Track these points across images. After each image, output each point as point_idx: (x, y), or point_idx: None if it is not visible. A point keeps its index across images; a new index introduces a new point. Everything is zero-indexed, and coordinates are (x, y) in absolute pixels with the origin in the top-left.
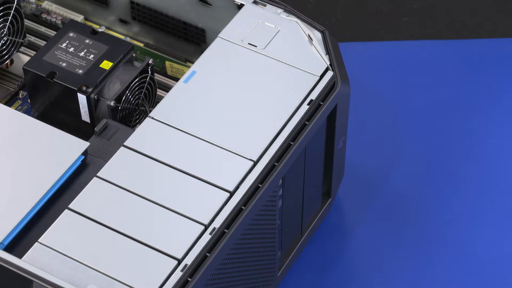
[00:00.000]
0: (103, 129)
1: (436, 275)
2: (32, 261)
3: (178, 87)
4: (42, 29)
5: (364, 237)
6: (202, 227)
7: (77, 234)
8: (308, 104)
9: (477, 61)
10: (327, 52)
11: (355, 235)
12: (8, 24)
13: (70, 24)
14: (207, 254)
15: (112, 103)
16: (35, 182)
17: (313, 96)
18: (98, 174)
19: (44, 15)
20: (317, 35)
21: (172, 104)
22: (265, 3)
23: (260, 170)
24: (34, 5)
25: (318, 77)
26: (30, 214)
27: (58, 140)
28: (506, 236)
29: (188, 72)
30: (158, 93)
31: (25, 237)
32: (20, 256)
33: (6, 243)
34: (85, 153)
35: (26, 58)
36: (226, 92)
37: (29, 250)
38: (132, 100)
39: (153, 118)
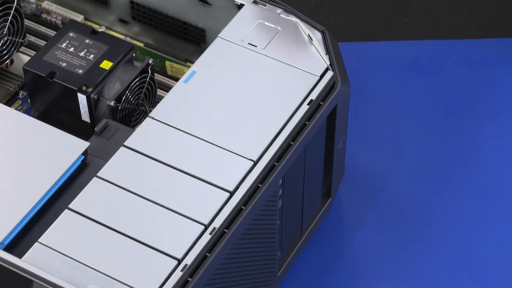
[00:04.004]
0: (103, 129)
1: (436, 275)
2: (32, 261)
3: (178, 87)
4: (42, 29)
5: (364, 237)
6: (202, 227)
7: (77, 234)
8: (308, 104)
9: (477, 61)
10: (327, 52)
11: (355, 235)
12: (8, 24)
13: (70, 24)
14: (207, 254)
15: (112, 103)
16: (35, 182)
17: (313, 96)
18: (98, 174)
19: (44, 15)
20: (317, 35)
21: (172, 104)
22: (265, 3)
23: (260, 170)
24: (34, 5)
25: (318, 77)
26: (30, 214)
27: (58, 140)
28: (506, 236)
29: (188, 72)
30: (158, 93)
31: (25, 237)
32: (20, 256)
33: (6, 243)
34: (85, 153)
35: (26, 58)
36: (226, 92)
37: (29, 250)
38: (132, 100)
39: (153, 118)
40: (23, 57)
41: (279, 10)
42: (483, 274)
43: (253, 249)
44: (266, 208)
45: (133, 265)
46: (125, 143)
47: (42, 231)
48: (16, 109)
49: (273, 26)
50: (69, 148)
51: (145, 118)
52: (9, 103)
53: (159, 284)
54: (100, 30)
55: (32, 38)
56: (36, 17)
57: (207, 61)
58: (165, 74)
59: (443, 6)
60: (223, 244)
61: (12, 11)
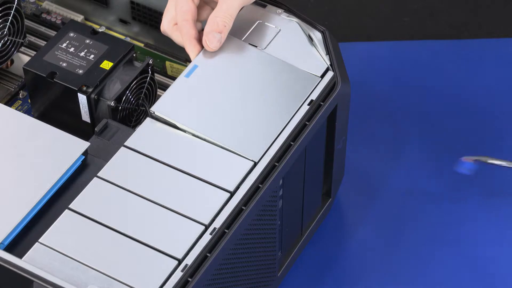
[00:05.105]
0: (104, 129)
1: (436, 275)
2: (32, 261)
3: (179, 81)
4: (42, 29)
5: (364, 237)
6: (203, 227)
7: (77, 234)
8: (308, 105)
9: (477, 61)
10: (328, 52)
11: (355, 235)
12: (8, 24)
13: (70, 24)
14: (208, 254)
15: (112, 103)
16: (35, 182)
17: (314, 96)
18: (98, 174)
19: (44, 15)
20: (317, 35)
21: (173, 99)
22: (265, 3)
23: (260, 170)
24: (34, 5)
25: (319, 78)
26: (30, 214)
27: (58, 140)
28: (506, 235)
29: (190, 66)
30: (158, 93)
31: (25, 237)
32: (20, 256)
33: (6, 243)
34: (85, 153)
35: (26, 58)
36: (227, 91)
37: (30, 250)
38: (132, 100)
39: (153, 113)
40: (23, 57)
41: (279, 10)
42: (483, 274)
43: (253, 249)
44: (266, 209)
45: (133, 265)
46: (125, 143)
47: (43, 231)
48: (16, 109)
49: (273, 26)
50: (69, 148)
51: (145, 118)
52: (9, 103)
53: (159, 284)
54: (100, 30)
55: (32, 38)
56: (36, 17)
57: (208, 56)
58: (165, 74)
59: (443, 6)
60: (223, 244)
61: (12, 11)
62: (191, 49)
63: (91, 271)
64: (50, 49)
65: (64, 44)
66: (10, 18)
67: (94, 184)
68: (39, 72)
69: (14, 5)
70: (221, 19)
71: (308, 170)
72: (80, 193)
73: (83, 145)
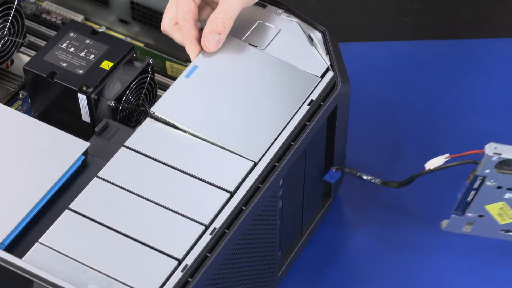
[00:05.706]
0: (104, 129)
1: (436, 276)
2: (32, 261)
3: (179, 82)
4: (42, 29)
5: (364, 238)
6: (203, 227)
7: (77, 234)
8: (308, 105)
9: (477, 61)
10: (328, 52)
11: (355, 235)
12: (8, 24)
13: (70, 24)
14: (208, 255)
15: (112, 103)
16: (35, 182)
17: (314, 96)
18: (98, 174)
19: (44, 15)
20: (317, 35)
21: (173, 100)
22: (265, 3)
23: (260, 171)
24: (34, 5)
25: (319, 78)
26: (30, 214)
27: (59, 140)
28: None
29: (190, 66)
30: (158, 93)
31: (25, 237)
32: (20, 256)
33: (6, 243)
34: (85, 153)
35: (26, 58)
36: (227, 91)
37: (30, 250)
38: (133, 100)
39: (153, 113)
40: (24, 57)
41: (279, 11)
42: (483, 276)
43: (253, 249)
44: (266, 209)
45: (133, 265)
46: (125, 143)
47: (43, 231)
48: (16, 109)
49: (274, 26)
50: (69, 148)
51: (145, 118)
52: (9, 103)
53: (159, 285)
54: (100, 30)
55: (32, 38)
56: (36, 17)
57: (208, 56)
58: (165, 74)
59: (443, 6)
60: (223, 245)
61: (12, 11)
62: (191, 49)
63: (91, 271)
64: (50, 49)
65: (64, 44)
66: (10, 18)
67: (94, 184)
68: (39, 72)
69: (14, 5)
70: (220, 20)
71: (308, 170)
72: (80, 193)
73: (83, 145)
